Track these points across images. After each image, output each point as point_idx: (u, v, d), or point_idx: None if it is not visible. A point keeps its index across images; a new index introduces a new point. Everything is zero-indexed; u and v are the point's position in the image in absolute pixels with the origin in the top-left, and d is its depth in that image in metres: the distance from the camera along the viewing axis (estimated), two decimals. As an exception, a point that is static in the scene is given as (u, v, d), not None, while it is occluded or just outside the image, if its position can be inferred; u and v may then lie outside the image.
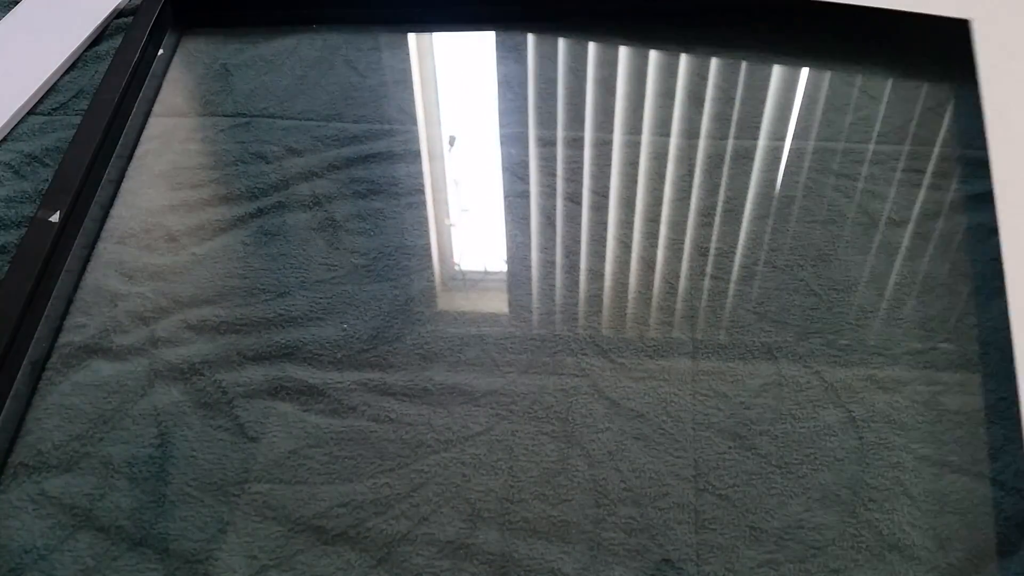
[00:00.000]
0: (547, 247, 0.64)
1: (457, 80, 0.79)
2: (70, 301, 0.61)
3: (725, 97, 0.75)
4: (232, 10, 0.83)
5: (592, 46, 0.80)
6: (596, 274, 0.62)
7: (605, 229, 0.65)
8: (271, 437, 0.54)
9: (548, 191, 0.68)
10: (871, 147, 0.70)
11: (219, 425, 0.55)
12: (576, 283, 0.62)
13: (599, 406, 0.55)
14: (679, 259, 0.63)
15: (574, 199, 0.68)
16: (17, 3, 0.83)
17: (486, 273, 0.64)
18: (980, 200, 0.65)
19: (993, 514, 0.49)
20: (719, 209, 0.66)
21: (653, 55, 0.79)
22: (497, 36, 0.82)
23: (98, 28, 0.80)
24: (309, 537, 0.50)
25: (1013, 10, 0.74)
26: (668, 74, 0.77)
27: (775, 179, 0.68)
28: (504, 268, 0.64)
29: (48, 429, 0.55)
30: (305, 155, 0.71)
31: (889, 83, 0.75)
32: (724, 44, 0.79)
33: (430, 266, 0.64)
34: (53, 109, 0.74)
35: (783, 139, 0.71)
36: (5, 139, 0.71)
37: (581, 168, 0.70)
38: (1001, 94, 0.67)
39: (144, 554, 0.49)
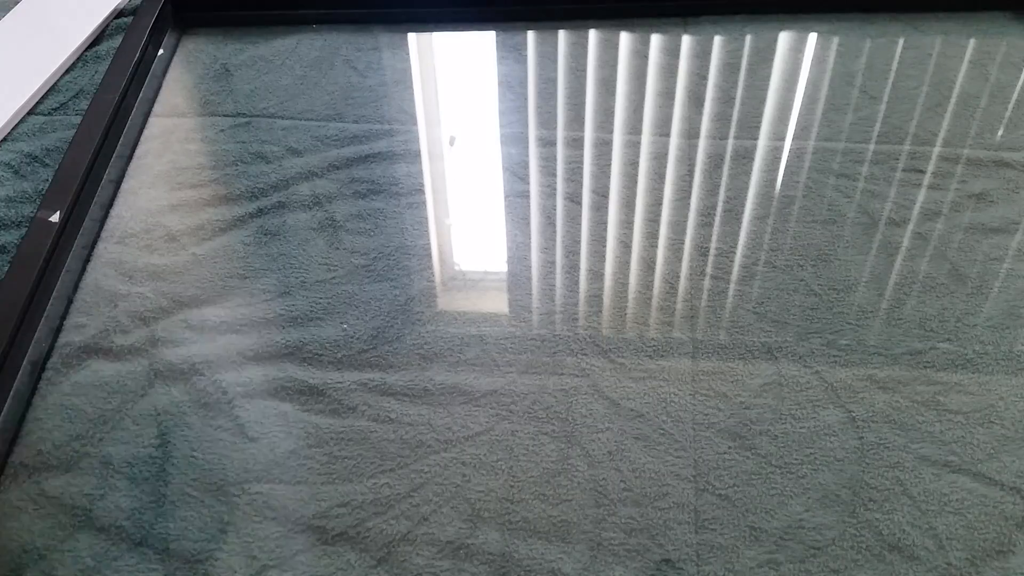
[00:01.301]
0: (547, 247, 0.64)
1: (457, 80, 0.79)
2: (70, 301, 0.61)
3: (725, 97, 0.75)
4: (232, 10, 0.83)
5: (592, 46, 0.80)
6: (596, 274, 0.62)
7: (605, 229, 0.65)
8: (271, 437, 0.54)
9: (548, 191, 0.68)
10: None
11: (219, 425, 0.55)
12: (576, 283, 0.62)
13: (599, 406, 0.55)
14: (679, 259, 0.63)
15: (574, 199, 0.68)
16: (17, 3, 0.83)
17: (486, 273, 0.64)
18: (980, 200, 0.65)
19: (993, 514, 0.49)
20: (719, 209, 0.66)
21: (653, 55, 0.79)
22: (497, 36, 0.82)
23: (98, 28, 0.81)
24: (309, 537, 0.50)
25: None
26: (668, 74, 0.77)
27: (775, 179, 0.68)
28: (504, 268, 0.64)
29: (48, 429, 0.55)
30: (305, 155, 0.71)
31: None
32: (723, 43, 0.79)
33: (430, 266, 0.63)
34: (53, 109, 0.74)
35: (783, 139, 0.71)
36: (5, 139, 0.71)
37: (581, 168, 0.70)
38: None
39: (144, 554, 0.49)
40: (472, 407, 0.55)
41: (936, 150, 0.69)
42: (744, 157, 0.70)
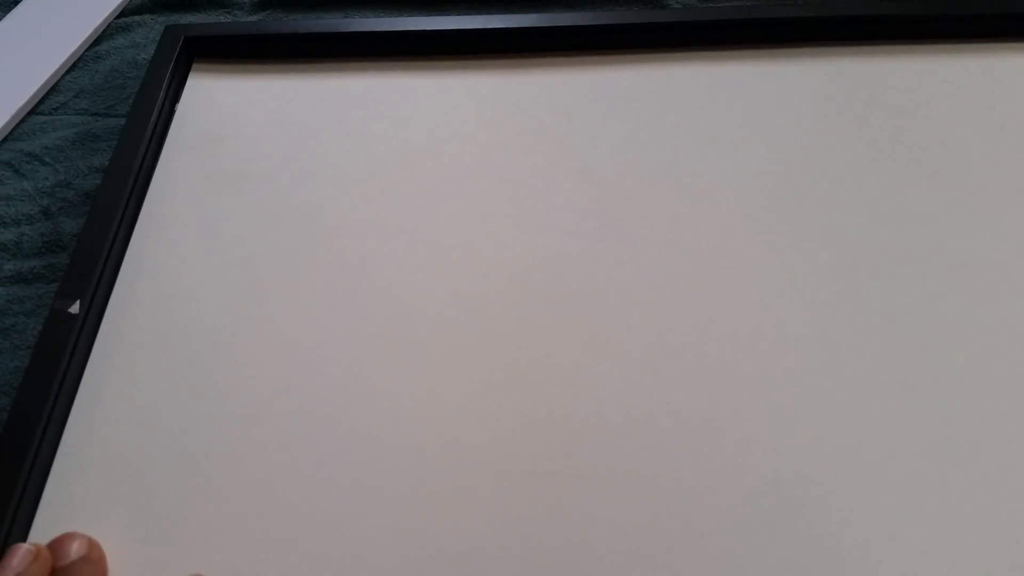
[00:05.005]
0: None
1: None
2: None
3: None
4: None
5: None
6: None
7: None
8: None
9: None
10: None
11: None
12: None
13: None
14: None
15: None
16: (18, 2, 0.83)
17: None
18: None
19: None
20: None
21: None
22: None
23: (99, 27, 0.81)
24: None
25: None
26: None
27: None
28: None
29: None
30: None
31: None
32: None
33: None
34: (54, 109, 0.74)
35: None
36: (6, 139, 0.72)
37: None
38: None
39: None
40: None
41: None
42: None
